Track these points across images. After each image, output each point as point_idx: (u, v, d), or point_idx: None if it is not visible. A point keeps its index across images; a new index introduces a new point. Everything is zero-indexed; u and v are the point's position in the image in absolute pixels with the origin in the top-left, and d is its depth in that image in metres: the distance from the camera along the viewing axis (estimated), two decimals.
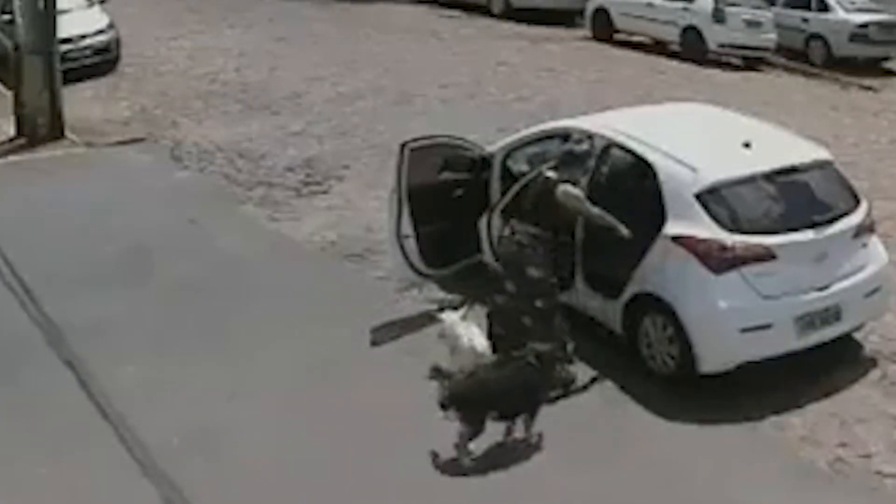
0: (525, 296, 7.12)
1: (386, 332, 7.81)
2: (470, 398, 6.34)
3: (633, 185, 7.55)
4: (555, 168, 7.34)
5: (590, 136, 7.90)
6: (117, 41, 16.11)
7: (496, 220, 8.20)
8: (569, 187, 7.22)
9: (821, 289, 7.24)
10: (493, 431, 6.59)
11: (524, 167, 8.30)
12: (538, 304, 7.09)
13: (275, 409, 6.83)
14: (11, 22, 12.78)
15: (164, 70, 16.22)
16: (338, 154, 12.28)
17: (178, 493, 5.90)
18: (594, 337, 7.62)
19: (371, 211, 10.07)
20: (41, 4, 12.49)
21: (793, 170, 7.59)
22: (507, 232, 7.43)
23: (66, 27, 13.99)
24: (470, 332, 6.95)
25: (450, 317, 7.03)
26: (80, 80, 14.69)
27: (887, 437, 6.86)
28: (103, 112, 14.02)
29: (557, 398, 6.70)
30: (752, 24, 20.54)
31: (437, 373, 6.48)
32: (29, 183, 11.29)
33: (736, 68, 20.34)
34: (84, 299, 8.25)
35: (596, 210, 7.23)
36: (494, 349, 7.01)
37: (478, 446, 6.34)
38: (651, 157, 7.44)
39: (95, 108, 14.18)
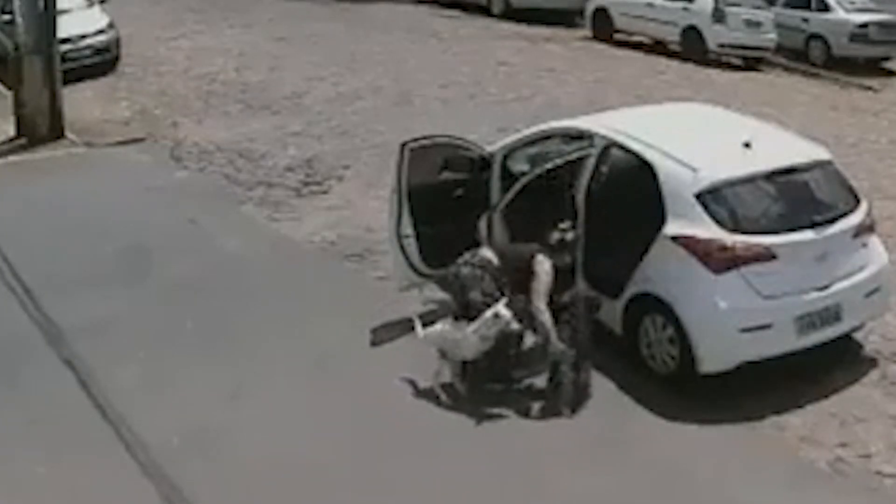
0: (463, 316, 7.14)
1: (386, 332, 7.79)
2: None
3: (632, 185, 7.53)
4: (553, 252, 7.26)
5: (590, 136, 7.92)
6: (117, 41, 16.13)
7: (497, 221, 8.21)
8: (545, 261, 7.12)
9: (821, 289, 7.23)
10: (492, 428, 6.61)
11: (524, 167, 8.31)
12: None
13: (275, 409, 6.82)
14: (11, 22, 12.78)
15: (164, 70, 16.22)
16: (338, 154, 12.28)
17: (178, 493, 5.90)
18: (594, 337, 7.61)
19: (371, 211, 10.06)
20: (41, 4, 12.51)
21: (793, 170, 7.59)
22: (469, 255, 7.35)
23: (66, 27, 14.00)
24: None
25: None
26: (80, 80, 14.70)
27: (887, 437, 6.85)
28: (103, 112, 14.04)
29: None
30: (752, 24, 20.56)
31: None
32: (29, 183, 11.30)
33: (736, 68, 20.34)
34: (84, 299, 8.25)
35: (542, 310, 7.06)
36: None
37: (479, 444, 6.35)
38: (651, 156, 7.43)
39: (95, 108, 14.19)
